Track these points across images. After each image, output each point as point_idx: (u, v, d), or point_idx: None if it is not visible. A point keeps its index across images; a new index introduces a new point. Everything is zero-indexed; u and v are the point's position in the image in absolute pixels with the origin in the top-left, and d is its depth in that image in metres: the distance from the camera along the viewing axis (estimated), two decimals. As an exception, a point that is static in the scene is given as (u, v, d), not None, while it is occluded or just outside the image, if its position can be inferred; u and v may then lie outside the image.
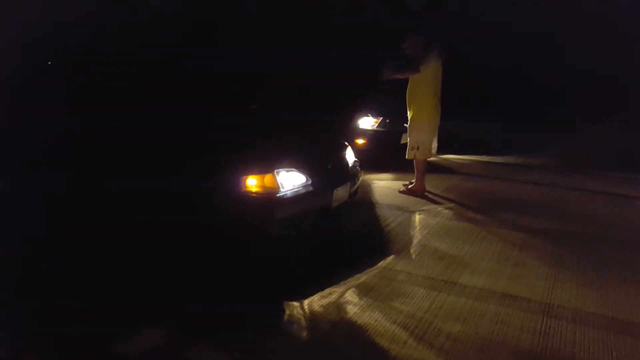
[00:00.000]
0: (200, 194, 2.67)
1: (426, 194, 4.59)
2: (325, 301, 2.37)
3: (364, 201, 4.14)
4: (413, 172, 4.58)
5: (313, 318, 2.22)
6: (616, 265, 3.00)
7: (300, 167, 2.89)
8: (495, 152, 7.05)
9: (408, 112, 4.56)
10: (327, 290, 2.47)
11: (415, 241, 3.28)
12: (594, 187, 5.25)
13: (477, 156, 6.97)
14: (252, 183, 2.70)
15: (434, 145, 4.59)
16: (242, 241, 2.70)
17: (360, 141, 5.52)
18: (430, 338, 2.07)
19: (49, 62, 3.66)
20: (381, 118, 5.72)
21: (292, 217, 2.78)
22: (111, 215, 2.76)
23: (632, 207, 4.55)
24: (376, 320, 2.20)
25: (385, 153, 5.47)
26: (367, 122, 5.74)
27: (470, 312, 2.32)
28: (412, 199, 4.43)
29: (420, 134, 4.50)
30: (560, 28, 7.74)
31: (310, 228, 2.92)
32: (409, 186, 4.69)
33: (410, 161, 4.62)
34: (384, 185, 4.93)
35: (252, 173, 2.71)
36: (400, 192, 4.68)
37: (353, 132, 5.51)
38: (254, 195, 2.70)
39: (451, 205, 4.23)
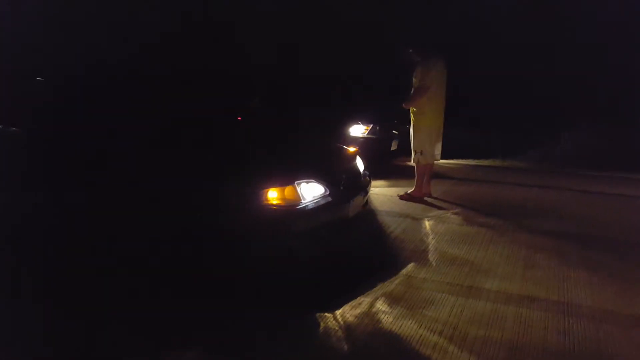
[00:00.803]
0: (219, 209, 2.63)
1: (426, 199, 4.68)
2: (357, 311, 2.37)
3: (369, 209, 4.18)
4: (406, 178, 4.66)
5: (349, 329, 2.21)
6: (624, 263, 3.12)
7: (319, 178, 2.89)
8: (480, 156, 7.25)
9: (411, 117, 4.65)
10: (356, 301, 2.48)
11: (429, 248, 3.33)
12: (585, 187, 5.47)
13: (464, 160, 7.14)
14: (273, 196, 2.68)
15: (438, 150, 4.69)
16: (265, 255, 2.67)
17: (351, 149, 5.56)
18: (465, 343, 2.10)
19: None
20: (371, 125, 5.79)
21: (313, 229, 2.76)
22: (129, 229, 2.68)
23: (629, 206, 4.73)
24: (412, 328, 2.22)
25: (377, 160, 5.52)
26: (358, 130, 5.80)
27: (493, 315, 2.38)
28: (413, 205, 4.49)
29: (424, 139, 4.59)
30: (543, 32, 8.00)
31: (331, 239, 2.92)
32: (409, 191, 4.77)
33: (404, 167, 4.69)
34: (380, 192, 4.98)
35: (273, 185, 2.68)
36: (400, 197, 4.75)
37: (345, 140, 5.56)
38: (274, 208, 2.68)
39: (455, 210, 4.32)
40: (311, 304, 2.46)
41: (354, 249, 3.27)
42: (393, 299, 2.51)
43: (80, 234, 2.79)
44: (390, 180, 5.41)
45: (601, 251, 3.34)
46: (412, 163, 4.76)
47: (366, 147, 5.60)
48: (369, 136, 5.80)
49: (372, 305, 2.44)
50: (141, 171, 2.72)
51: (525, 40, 8.06)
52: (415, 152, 4.65)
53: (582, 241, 3.55)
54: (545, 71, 8.06)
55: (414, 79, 4.52)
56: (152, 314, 2.32)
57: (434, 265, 3.02)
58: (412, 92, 4.50)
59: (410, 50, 4.56)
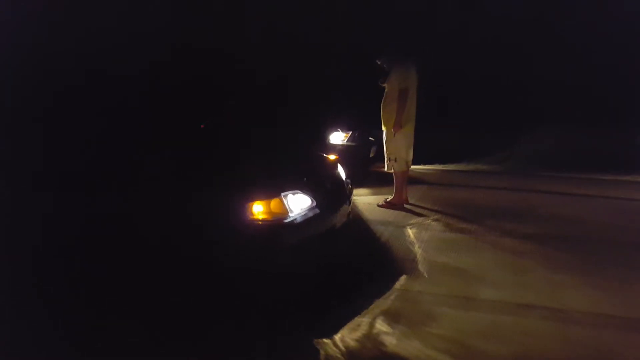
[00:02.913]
0: (200, 226, 2.37)
1: (406, 206, 4.59)
2: (357, 334, 2.18)
3: (352, 219, 4.02)
4: (383, 185, 4.56)
5: (352, 356, 2.02)
6: (613, 265, 3.11)
7: (304, 189, 2.69)
8: (452, 160, 7.31)
9: (382, 124, 4.55)
10: (354, 322, 2.29)
11: (418, 257, 3.20)
12: (560, 189, 5.53)
13: (439, 165, 7.16)
14: (259, 209, 2.45)
15: (410, 156, 4.62)
16: (251, 274, 2.42)
17: (332, 157, 5.41)
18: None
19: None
20: (350, 132, 5.66)
21: (302, 244, 2.56)
22: (112, 244, 2.38)
23: (607, 207, 4.78)
24: (417, 349, 2.06)
25: (357, 168, 5.41)
26: (337, 137, 5.65)
27: (495, 326, 2.29)
28: (393, 212, 4.38)
29: (396, 145, 4.50)
30: (514, 31, 8.17)
31: (319, 253, 2.72)
32: (389, 199, 4.66)
33: (385, 174, 4.60)
34: (362, 200, 4.84)
35: (257, 198, 2.45)
36: (379, 206, 4.63)
37: (325, 148, 5.39)
38: (260, 222, 2.45)
39: (436, 216, 4.24)
40: (306, 326, 2.25)
41: (341, 262, 3.08)
42: (392, 317, 2.34)
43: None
44: (367, 187, 5.29)
45: (584, 253, 3.35)
46: (386, 170, 4.67)
47: (347, 154, 5.43)
48: (349, 143, 5.65)
49: (371, 326, 2.26)
50: (119, 186, 2.41)
51: (504, 41, 8.19)
52: (390, 160, 4.56)
53: (563, 243, 3.56)
54: (521, 72, 8.21)
55: (387, 86, 4.43)
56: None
57: (426, 276, 2.90)
58: (389, 102, 4.38)
59: (379, 62, 4.48)
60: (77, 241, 2.50)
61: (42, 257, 2.53)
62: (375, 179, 5.55)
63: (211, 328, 2.25)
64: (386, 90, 4.48)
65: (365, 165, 5.92)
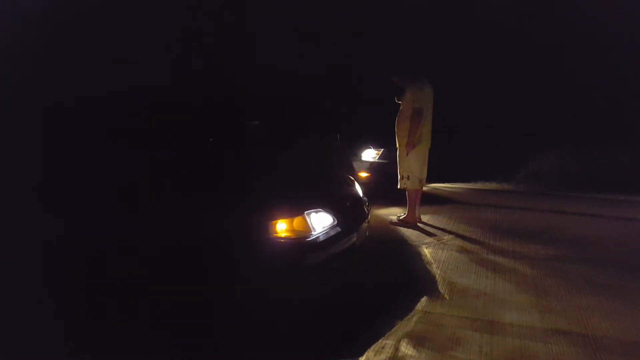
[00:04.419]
0: (223, 244, 2.34)
1: (419, 224, 4.55)
2: (382, 357, 2.13)
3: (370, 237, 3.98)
4: (395, 203, 4.51)
5: (380, 380, 1.97)
6: (632, 287, 3.06)
7: (326, 207, 2.67)
8: (461, 179, 7.27)
9: (397, 142, 4.54)
10: (379, 344, 2.25)
11: (437, 277, 3.16)
12: (579, 209, 5.42)
13: (449, 184, 7.11)
14: (282, 228, 2.43)
15: (424, 175, 4.60)
16: (274, 293, 2.39)
17: (363, 174, 5.38)
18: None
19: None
20: (382, 149, 5.58)
21: (325, 262, 2.53)
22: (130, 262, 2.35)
23: (626, 228, 4.65)
24: (446, 374, 2.02)
25: (389, 185, 5.11)
26: (369, 154, 5.59)
27: (524, 352, 2.23)
28: (407, 230, 4.34)
29: (409, 164, 4.49)
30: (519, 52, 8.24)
31: (340, 272, 2.69)
32: (401, 217, 4.63)
33: (393, 192, 4.56)
34: (375, 217, 4.79)
35: (281, 217, 2.43)
36: (391, 223, 4.60)
37: (351, 166, 5.35)
38: (283, 241, 2.42)
39: (450, 235, 4.20)
40: (329, 346, 2.20)
41: (366, 282, 3.04)
42: (417, 340, 2.30)
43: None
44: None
45: (606, 275, 3.28)
46: (398, 187, 4.64)
47: (379, 172, 5.39)
48: (381, 161, 5.57)
49: (396, 348, 2.22)
50: (138, 206, 2.40)
51: (505, 62, 8.24)
52: (402, 177, 4.54)
53: (584, 265, 3.49)
54: (527, 90, 8.23)
55: (401, 104, 4.44)
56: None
57: (447, 297, 2.85)
58: (402, 120, 4.38)
59: (394, 79, 4.49)
60: (101, 259, 2.48)
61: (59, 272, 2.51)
62: (386, 196, 5.49)
63: (232, 349, 2.20)
64: (400, 108, 4.49)
65: (396, 183, 5.87)
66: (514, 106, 8.21)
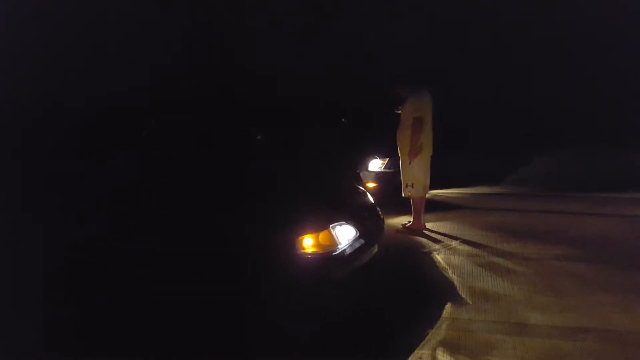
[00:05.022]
0: (249, 262, 2.32)
1: (425, 232, 4.59)
2: (422, 367, 2.14)
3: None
4: (401, 211, 4.55)
5: (424, 391, 1.97)
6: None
7: (348, 219, 2.67)
8: (466, 184, 7.32)
9: (399, 150, 4.60)
10: (415, 354, 2.25)
11: (455, 283, 3.18)
12: (587, 209, 5.42)
13: (454, 189, 7.13)
14: (309, 243, 2.42)
15: (427, 182, 4.65)
16: (303, 308, 2.37)
17: (371, 184, 5.40)
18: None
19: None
20: (388, 159, 5.59)
21: (351, 275, 2.53)
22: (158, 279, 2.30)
23: (636, 226, 4.64)
24: (487, 380, 2.03)
25: (396, 194, 5.09)
26: (375, 165, 5.62)
27: (557, 352, 2.27)
28: (415, 238, 4.37)
29: (412, 172, 4.54)
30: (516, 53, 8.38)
31: (364, 284, 2.69)
32: (407, 225, 4.67)
33: (400, 200, 4.60)
34: (391, 227, 4.79)
35: (307, 232, 2.42)
36: (397, 232, 4.63)
37: (363, 176, 5.37)
38: (310, 256, 2.41)
39: (459, 240, 4.23)
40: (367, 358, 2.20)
41: (386, 291, 3.04)
42: (451, 348, 2.31)
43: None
44: (386, 214, 5.23)
45: (618, 272, 3.34)
46: (403, 195, 4.68)
47: (386, 182, 5.41)
48: (387, 170, 5.59)
49: (433, 357, 2.22)
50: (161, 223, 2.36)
51: (506, 64, 8.37)
52: (407, 185, 4.59)
53: (597, 263, 3.53)
54: (530, 94, 8.37)
55: (401, 114, 4.51)
56: None
57: (470, 302, 2.88)
58: (403, 129, 4.45)
59: (398, 90, 4.57)
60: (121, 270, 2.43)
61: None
62: (394, 205, 5.50)
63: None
64: (401, 117, 4.55)
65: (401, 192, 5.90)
66: (514, 106, 8.31)
